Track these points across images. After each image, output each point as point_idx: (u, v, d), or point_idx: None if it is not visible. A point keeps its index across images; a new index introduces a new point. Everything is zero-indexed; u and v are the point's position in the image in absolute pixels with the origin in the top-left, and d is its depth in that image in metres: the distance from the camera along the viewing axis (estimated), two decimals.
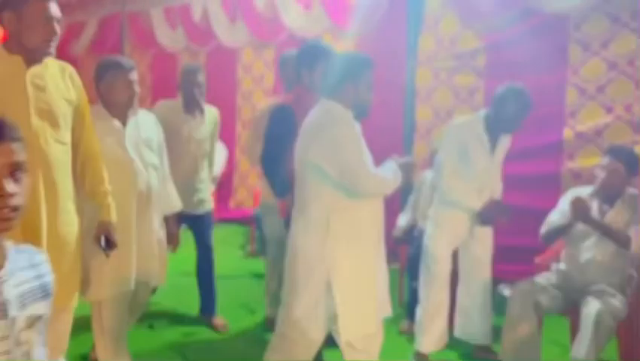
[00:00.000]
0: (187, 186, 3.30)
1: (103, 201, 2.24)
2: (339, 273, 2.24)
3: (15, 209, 1.14)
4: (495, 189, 3.12)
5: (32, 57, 1.97)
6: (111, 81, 2.50)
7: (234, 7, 5.94)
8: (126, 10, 7.05)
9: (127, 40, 7.72)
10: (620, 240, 2.65)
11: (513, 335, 2.79)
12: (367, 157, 2.28)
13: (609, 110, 3.76)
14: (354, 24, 4.86)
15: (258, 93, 6.11)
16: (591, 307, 2.57)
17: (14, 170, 1.14)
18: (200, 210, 3.43)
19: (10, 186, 1.12)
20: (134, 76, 2.55)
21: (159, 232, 2.68)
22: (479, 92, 4.36)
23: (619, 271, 2.75)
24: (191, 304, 3.60)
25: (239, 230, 5.78)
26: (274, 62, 5.87)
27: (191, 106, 3.38)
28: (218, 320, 3.45)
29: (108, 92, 2.52)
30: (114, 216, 2.27)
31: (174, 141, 3.18)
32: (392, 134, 4.59)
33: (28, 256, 1.26)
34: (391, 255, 3.90)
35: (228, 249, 5.19)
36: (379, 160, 2.41)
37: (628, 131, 3.68)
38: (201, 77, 3.38)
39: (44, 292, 1.25)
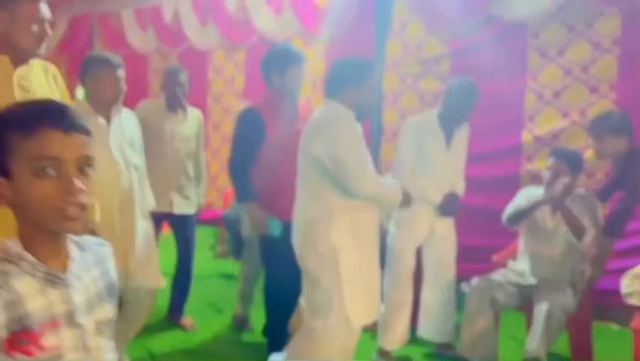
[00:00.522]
0: (170, 185, 3.32)
1: None
2: (345, 266, 2.29)
3: (82, 207, 1.01)
4: (455, 182, 3.14)
5: (20, 57, 1.95)
6: (98, 77, 2.48)
7: (205, 10, 5.98)
8: (96, 11, 7.02)
9: (97, 41, 7.69)
10: (576, 228, 2.77)
11: (471, 330, 2.90)
12: (367, 158, 2.34)
13: (565, 114, 3.93)
14: (323, 29, 4.95)
15: (229, 95, 6.15)
16: (542, 303, 2.70)
17: (82, 165, 1.03)
18: (184, 210, 3.41)
19: (78, 182, 1.00)
20: (121, 73, 2.53)
21: (148, 232, 2.70)
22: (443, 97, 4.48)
23: (569, 267, 2.89)
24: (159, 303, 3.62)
25: (210, 231, 5.81)
26: (245, 64, 5.92)
27: (174, 105, 3.40)
28: (186, 319, 3.49)
29: (95, 88, 2.50)
30: (97, 216, 2.26)
31: (157, 138, 3.22)
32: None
33: (93, 251, 1.15)
34: None
35: (198, 250, 5.20)
36: None
37: (582, 135, 3.83)
38: (183, 77, 3.41)
39: (110, 292, 1.15)
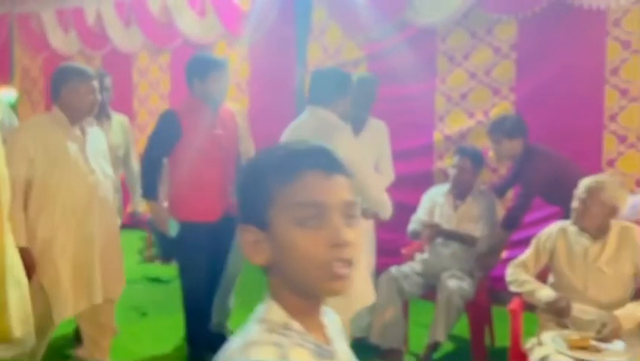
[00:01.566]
0: None
1: None
2: None
3: (350, 264, 0.86)
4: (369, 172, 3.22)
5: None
6: (75, 88, 2.52)
7: (128, 11, 5.94)
8: (15, 12, 6.80)
9: (17, 42, 7.45)
10: (467, 242, 3.04)
11: (381, 318, 3.09)
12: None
13: (471, 115, 4.20)
14: (245, 31, 5.05)
15: (154, 97, 6.13)
16: (443, 291, 2.92)
17: (348, 211, 0.87)
18: None
19: (345, 233, 0.84)
20: (96, 84, 2.60)
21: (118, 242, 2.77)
22: None
23: (469, 259, 3.12)
24: None
25: (138, 235, 5.77)
26: (170, 67, 5.92)
27: (97, 113, 3.27)
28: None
29: (71, 100, 2.53)
30: None
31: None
32: None
33: (330, 317, 0.97)
34: None
35: (126, 254, 5.17)
36: None
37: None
38: (108, 82, 3.39)
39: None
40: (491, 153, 3.74)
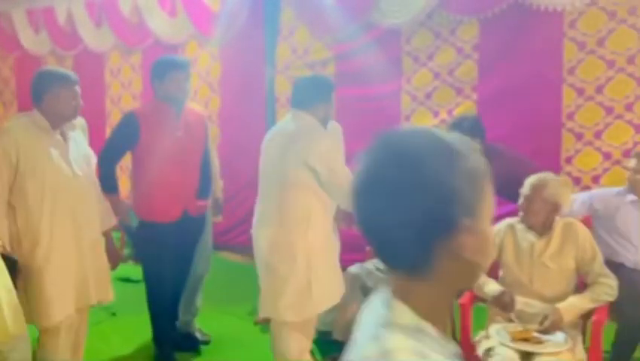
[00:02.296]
0: None
1: None
2: (317, 258, 2.53)
3: None
4: None
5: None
6: (57, 93, 2.52)
7: (99, 11, 5.93)
8: None
9: None
10: None
11: (344, 314, 3.16)
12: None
13: (435, 114, 4.29)
14: (215, 32, 5.08)
15: (127, 97, 6.13)
16: None
17: None
18: None
19: None
20: (79, 89, 2.61)
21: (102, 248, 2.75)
22: None
23: None
24: None
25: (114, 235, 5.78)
26: (141, 67, 5.92)
27: None
28: None
29: (53, 104, 2.53)
30: None
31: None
32: (255, 138, 4.87)
33: None
34: (248, 251, 4.18)
35: None
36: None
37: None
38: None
39: None
40: None
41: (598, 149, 3.71)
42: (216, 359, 3.26)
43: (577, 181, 3.79)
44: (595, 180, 3.74)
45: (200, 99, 5.57)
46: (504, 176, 3.08)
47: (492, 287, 2.38)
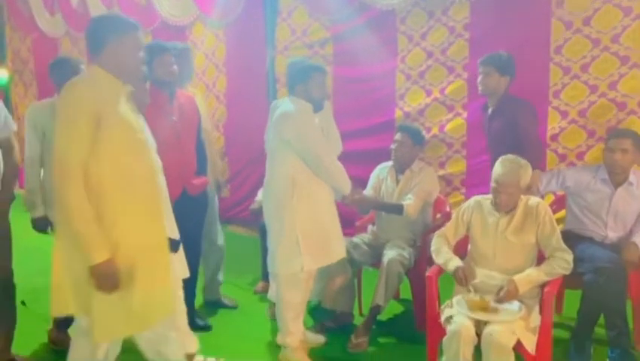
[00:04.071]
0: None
1: None
2: (304, 221, 2.79)
3: None
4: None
5: None
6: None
7: None
8: None
9: (8, 22, 7.67)
10: (395, 210, 3.29)
11: (332, 285, 3.38)
12: (325, 142, 2.86)
13: (428, 93, 4.41)
14: (217, 14, 5.25)
15: None
16: (384, 259, 3.20)
17: None
18: None
19: None
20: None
21: None
22: (328, 78, 4.88)
23: (409, 229, 3.39)
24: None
25: None
26: None
27: None
28: None
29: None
30: None
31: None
32: (259, 117, 5.06)
33: None
34: (253, 224, 4.42)
35: None
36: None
37: (443, 110, 4.35)
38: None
39: None
40: (449, 125, 4.01)
41: (583, 126, 3.81)
42: (218, 325, 3.51)
43: (562, 158, 3.91)
44: (580, 156, 3.85)
45: (208, 79, 5.77)
46: (508, 127, 3.18)
47: (452, 263, 2.56)
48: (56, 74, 3.04)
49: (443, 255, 2.63)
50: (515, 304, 2.38)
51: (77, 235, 1.93)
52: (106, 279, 1.95)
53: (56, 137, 1.97)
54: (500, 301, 2.38)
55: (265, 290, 3.77)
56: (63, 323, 2.99)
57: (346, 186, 2.95)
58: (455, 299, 2.47)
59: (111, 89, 2.08)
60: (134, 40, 2.15)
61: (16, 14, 7.40)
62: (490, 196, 2.62)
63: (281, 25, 5.06)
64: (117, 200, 2.00)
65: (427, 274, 2.62)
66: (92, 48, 2.13)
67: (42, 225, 3.01)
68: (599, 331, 2.84)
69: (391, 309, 3.57)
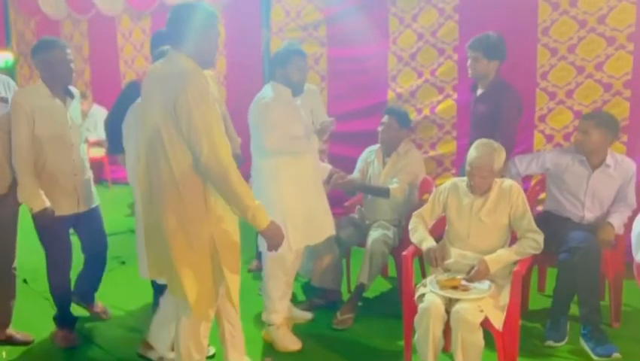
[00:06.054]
0: (76, 183, 3.05)
1: None
2: (288, 206, 2.88)
3: None
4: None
5: None
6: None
7: None
8: None
9: (12, 5, 7.75)
10: (381, 193, 3.38)
11: (320, 264, 3.50)
12: (299, 123, 2.95)
13: (420, 74, 4.46)
14: None
15: (140, 59, 6.45)
16: (369, 239, 3.30)
17: None
18: (91, 206, 3.21)
19: None
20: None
21: None
22: (322, 59, 4.96)
23: (395, 210, 3.48)
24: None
25: (130, 189, 6.23)
26: (151, 30, 6.20)
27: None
28: (98, 306, 3.52)
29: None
30: None
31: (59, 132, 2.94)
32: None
33: None
34: None
35: (115, 208, 5.68)
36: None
37: (434, 92, 4.40)
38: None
39: None
40: (439, 108, 4.06)
41: (570, 107, 3.86)
42: None
43: (549, 139, 3.96)
44: (567, 137, 3.90)
45: None
46: (495, 112, 3.22)
47: (425, 244, 2.65)
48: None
49: (418, 235, 2.72)
50: (485, 283, 2.48)
51: (246, 214, 2.19)
52: (275, 238, 2.29)
53: (203, 125, 2.05)
54: (471, 280, 2.48)
55: (259, 269, 3.90)
56: (65, 323, 3.16)
57: (313, 141, 3.00)
58: (428, 278, 2.57)
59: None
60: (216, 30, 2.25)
61: None
62: (466, 178, 2.69)
63: (276, 7, 5.11)
64: None
65: (403, 253, 2.71)
66: (179, 36, 2.15)
67: (48, 218, 2.81)
68: (575, 308, 2.93)
69: (379, 287, 3.69)
